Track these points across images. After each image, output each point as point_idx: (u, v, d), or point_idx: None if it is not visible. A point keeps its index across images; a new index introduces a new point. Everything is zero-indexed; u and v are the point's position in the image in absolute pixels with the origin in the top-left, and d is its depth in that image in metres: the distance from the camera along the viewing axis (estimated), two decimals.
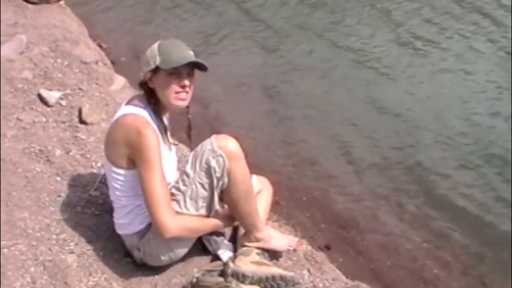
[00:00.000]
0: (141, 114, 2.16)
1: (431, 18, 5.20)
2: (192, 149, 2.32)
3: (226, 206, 2.31)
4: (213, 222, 2.28)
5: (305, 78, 4.41)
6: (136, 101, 2.22)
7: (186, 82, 2.15)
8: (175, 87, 2.14)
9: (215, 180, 2.15)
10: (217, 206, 2.21)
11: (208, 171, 2.15)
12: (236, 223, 2.43)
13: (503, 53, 4.67)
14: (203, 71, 2.20)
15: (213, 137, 2.19)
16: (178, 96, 2.16)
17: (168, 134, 2.36)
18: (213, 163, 2.13)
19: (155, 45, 2.18)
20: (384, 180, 3.48)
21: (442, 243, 3.09)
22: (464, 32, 4.97)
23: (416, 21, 5.16)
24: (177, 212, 2.17)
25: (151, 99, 2.20)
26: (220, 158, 2.13)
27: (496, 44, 4.79)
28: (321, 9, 5.34)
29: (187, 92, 2.17)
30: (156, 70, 2.14)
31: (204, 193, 2.18)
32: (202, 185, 2.17)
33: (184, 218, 2.18)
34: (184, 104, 2.20)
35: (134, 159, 2.12)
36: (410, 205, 3.30)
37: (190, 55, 2.17)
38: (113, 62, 4.25)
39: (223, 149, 2.14)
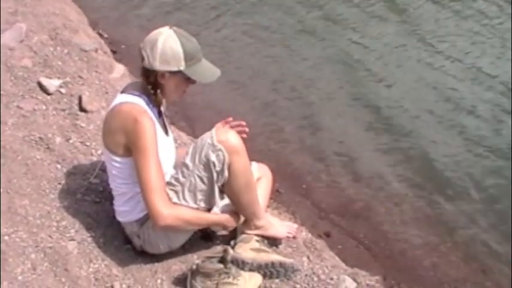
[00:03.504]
0: (138, 102, 2.15)
1: None
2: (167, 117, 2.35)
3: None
4: (212, 218, 2.28)
5: (304, 66, 4.40)
6: (132, 89, 2.21)
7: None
8: (184, 90, 2.21)
9: (215, 174, 2.14)
10: (218, 199, 2.21)
11: (208, 165, 2.13)
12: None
13: None
14: None
15: (214, 130, 2.18)
16: (181, 96, 2.24)
17: (165, 119, 2.36)
18: (213, 157, 2.12)
19: (176, 44, 2.06)
20: (384, 168, 3.48)
21: (441, 231, 3.09)
22: None
23: None
24: (175, 203, 2.16)
25: (153, 89, 2.17)
26: (220, 153, 2.12)
27: None
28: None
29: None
30: (176, 72, 2.11)
31: (202, 186, 2.17)
32: (201, 178, 2.16)
33: (179, 208, 2.17)
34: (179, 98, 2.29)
35: (130, 147, 2.11)
36: (410, 193, 3.30)
37: (216, 70, 2.21)
38: (113, 51, 4.23)
39: (224, 143, 2.12)
